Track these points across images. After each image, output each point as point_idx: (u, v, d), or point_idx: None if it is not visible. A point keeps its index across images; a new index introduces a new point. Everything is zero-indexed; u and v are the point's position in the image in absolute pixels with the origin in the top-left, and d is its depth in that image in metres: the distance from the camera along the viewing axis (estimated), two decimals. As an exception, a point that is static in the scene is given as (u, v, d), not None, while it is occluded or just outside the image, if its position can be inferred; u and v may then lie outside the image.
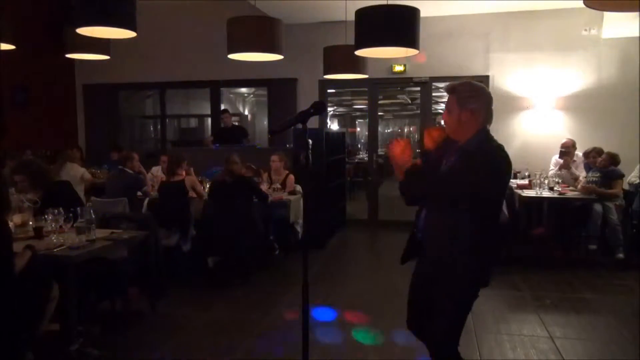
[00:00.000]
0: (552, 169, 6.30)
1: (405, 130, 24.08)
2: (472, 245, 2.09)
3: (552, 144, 6.56)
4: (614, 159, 5.70)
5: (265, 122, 10.29)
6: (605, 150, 5.87)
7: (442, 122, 2.28)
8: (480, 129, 2.16)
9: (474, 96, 2.16)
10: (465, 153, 2.14)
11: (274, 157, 6.08)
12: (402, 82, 8.36)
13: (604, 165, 5.67)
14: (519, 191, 5.76)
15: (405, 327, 2.48)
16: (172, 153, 6.26)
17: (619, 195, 5.65)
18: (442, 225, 2.13)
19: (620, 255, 5.41)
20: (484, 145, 2.14)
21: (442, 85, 8.76)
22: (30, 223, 3.40)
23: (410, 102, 14.33)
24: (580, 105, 7.08)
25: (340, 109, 17.47)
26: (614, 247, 5.46)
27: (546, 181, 5.75)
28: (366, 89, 8.18)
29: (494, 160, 2.10)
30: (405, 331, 2.50)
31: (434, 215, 2.21)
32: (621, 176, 5.64)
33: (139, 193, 5.56)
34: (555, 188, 5.74)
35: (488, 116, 2.18)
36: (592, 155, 5.93)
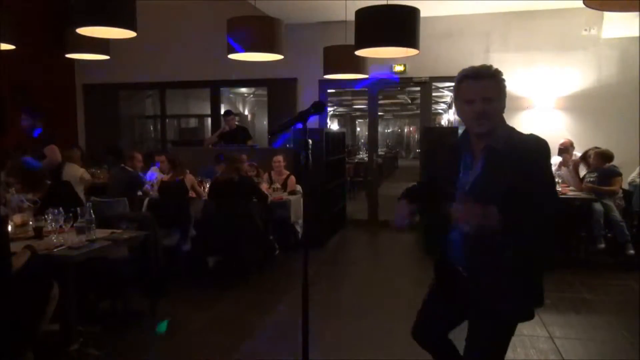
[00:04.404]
0: (552, 169, 6.29)
1: (405, 130, 24.09)
2: (532, 259, 1.84)
3: (552, 144, 6.50)
4: (605, 155, 5.69)
5: (265, 122, 10.29)
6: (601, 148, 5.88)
7: (474, 116, 1.86)
8: (503, 118, 1.92)
9: (505, 79, 1.90)
10: (495, 153, 1.84)
11: (279, 157, 6.08)
12: (402, 82, 8.36)
13: (597, 164, 5.66)
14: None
15: (406, 326, 2.47)
16: (173, 153, 6.27)
17: (617, 192, 5.64)
18: (495, 242, 1.79)
19: (631, 252, 5.40)
20: (518, 137, 1.87)
21: (442, 85, 8.79)
22: (30, 223, 3.40)
23: (410, 102, 14.34)
24: (580, 105, 7.08)
25: (340, 109, 17.49)
26: (623, 244, 5.45)
27: (546, 181, 5.75)
28: (366, 89, 8.18)
29: (545, 151, 1.83)
30: (406, 331, 2.50)
31: (480, 233, 1.80)
32: (618, 174, 5.64)
33: (139, 192, 5.56)
34: (555, 188, 5.73)
35: None
36: (589, 155, 5.93)
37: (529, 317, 1.90)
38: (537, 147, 1.83)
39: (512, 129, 1.92)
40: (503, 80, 1.89)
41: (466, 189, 1.91)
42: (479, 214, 1.70)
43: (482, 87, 1.84)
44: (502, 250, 1.80)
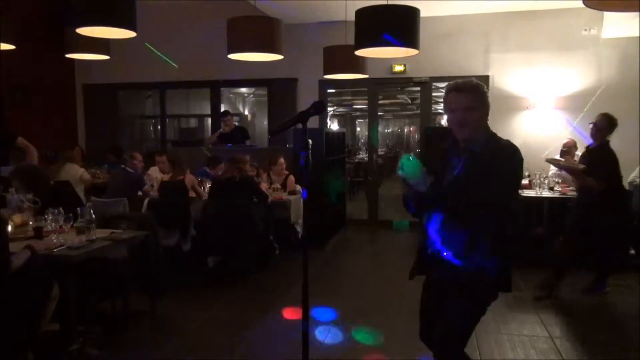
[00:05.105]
0: (553, 169, 6.30)
1: (405, 130, 24.08)
2: (496, 247, 2.07)
3: (552, 144, 6.56)
4: None
5: (265, 122, 10.29)
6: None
7: (456, 123, 2.13)
8: (486, 126, 2.16)
9: (487, 92, 2.16)
10: (474, 156, 2.09)
11: (282, 160, 6.07)
12: (402, 82, 8.36)
13: None
14: (519, 191, 5.75)
15: (406, 326, 2.48)
16: (173, 153, 6.27)
17: None
18: (465, 233, 2.07)
19: (632, 251, 5.39)
20: (495, 142, 2.11)
21: (442, 85, 8.79)
22: (30, 223, 3.40)
23: (410, 102, 14.34)
24: (580, 105, 7.08)
25: (340, 109, 17.47)
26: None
27: (546, 181, 5.75)
28: (366, 89, 8.18)
29: (514, 158, 2.07)
30: (406, 331, 2.50)
31: (453, 224, 2.11)
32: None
33: (139, 193, 5.56)
34: (555, 188, 5.74)
35: None
36: None
37: (493, 297, 2.16)
38: (508, 153, 2.07)
39: (493, 135, 2.15)
40: (484, 92, 2.15)
41: (445, 185, 2.16)
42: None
43: (464, 99, 2.11)
44: (473, 238, 2.06)
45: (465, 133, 2.12)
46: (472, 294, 2.09)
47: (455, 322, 2.12)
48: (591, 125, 4.43)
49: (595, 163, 4.27)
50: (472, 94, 2.11)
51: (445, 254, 2.14)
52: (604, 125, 4.36)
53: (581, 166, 4.51)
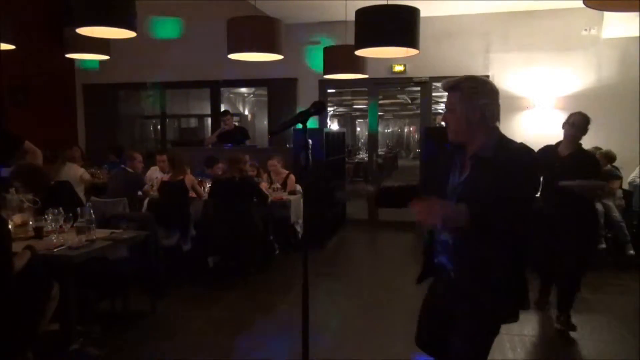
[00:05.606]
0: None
1: (405, 130, 24.10)
2: (514, 262, 1.93)
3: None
4: (607, 156, 5.69)
5: (265, 122, 10.30)
6: (604, 149, 5.87)
7: (442, 124, 2.03)
8: (491, 128, 1.92)
9: (482, 91, 1.90)
10: (482, 161, 1.87)
11: (272, 162, 6.08)
12: (402, 82, 8.35)
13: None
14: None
15: (406, 327, 2.47)
16: (173, 153, 6.26)
17: (615, 190, 5.63)
18: (478, 248, 1.86)
19: (631, 252, 5.39)
20: (505, 147, 1.89)
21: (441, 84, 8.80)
22: (30, 223, 3.40)
23: (410, 102, 14.35)
24: (580, 105, 7.00)
25: (340, 109, 17.49)
26: (623, 244, 5.44)
27: (546, 181, 5.75)
28: (366, 89, 8.18)
29: (527, 163, 1.86)
30: (405, 331, 2.50)
31: (465, 239, 1.87)
32: (617, 177, 5.65)
33: (139, 193, 5.56)
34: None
35: (498, 113, 1.93)
36: None
37: (513, 319, 2.00)
38: (521, 157, 1.87)
39: (502, 137, 1.93)
40: (468, 91, 1.90)
41: (454, 195, 1.94)
42: (438, 212, 1.74)
43: (447, 99, 1.96)
44: (486, 253, 1.86)
45: (451, 136, 1.96)
46: (486, 313, 1.96)
47: (470, 348, 2.02)
48: (567, 126, 3.90)
49: (585, 168, 3.78)
50: (454, 93, 1.93)
51: (453, 270, 1.96)
52: (582, 124, 3.91)
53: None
